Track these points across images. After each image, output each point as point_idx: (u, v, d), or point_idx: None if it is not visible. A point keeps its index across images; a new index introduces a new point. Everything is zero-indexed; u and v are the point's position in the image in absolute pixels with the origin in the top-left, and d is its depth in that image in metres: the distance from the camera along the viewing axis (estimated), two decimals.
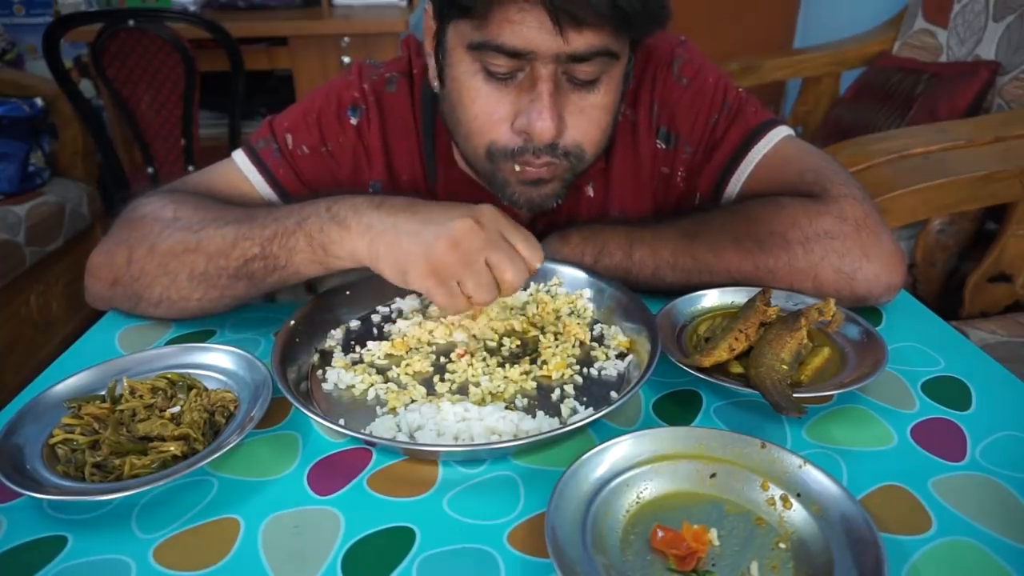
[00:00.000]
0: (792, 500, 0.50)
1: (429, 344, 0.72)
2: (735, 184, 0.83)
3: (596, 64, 0.67)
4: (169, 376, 0.63)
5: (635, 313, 0.71)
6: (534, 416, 0.60)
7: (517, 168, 0.72)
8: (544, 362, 0.68)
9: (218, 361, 0.66)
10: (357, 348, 0.71)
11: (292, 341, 0.68)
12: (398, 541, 0.50)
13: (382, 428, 0.59)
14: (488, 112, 0.70)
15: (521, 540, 0.50)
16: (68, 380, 0.62)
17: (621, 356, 0.69)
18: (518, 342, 0.71)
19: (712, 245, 0.76)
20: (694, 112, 0.84)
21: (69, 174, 2.25)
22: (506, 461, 0.57)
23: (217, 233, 0.70)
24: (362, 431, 0.59)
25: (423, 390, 0.65)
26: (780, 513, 0.50)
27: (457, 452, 0.56)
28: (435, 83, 0.77)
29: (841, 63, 2.25)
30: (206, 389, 0.62)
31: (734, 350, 0.64)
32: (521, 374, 0.66)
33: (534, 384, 0.65)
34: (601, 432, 0.60)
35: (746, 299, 0.70)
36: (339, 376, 0.66)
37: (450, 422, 0.59)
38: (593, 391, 0.65)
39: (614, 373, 0.67)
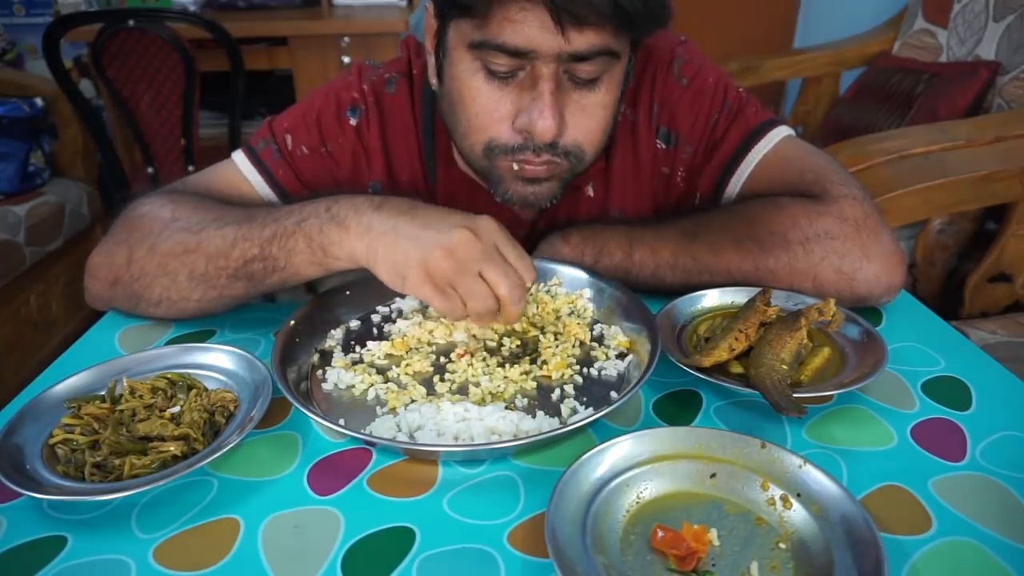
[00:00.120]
0: (792, 500, 0.50)
1: (429, 344, 0.72)
2: (735, 184, 0.83)
3: (597, 63, 0.67)
4: (169, 376, 0.63)
5: (635, 313, 0.71)
6: (534, 416, 0.60)
7: (515, 167, 0.72)
8: (544, 362, 0.68)
9: (218, 361, 0.66)
10: (357, 348, 0.71)
11: (292, 341, 0.68)
12: (398, 541, 0.50)
13: (382, 428, 0.59)
14: (488, 111, 0.70)
15: (521, 540, 0.50)
16: (68, 380, 0.62)
17: (621, 356, 0.69)
18: (518, 342, 0.71)
19: (712, 245, 0.76)
20: (694, 112, 0.84)
21: (69, 174, 2.26)
22: (506, 461, 0.57)
23: (217, 234, 0.70)
24: (362, 431, 0.59)
25: (423, 390, 0.65)
26: (780, 513, 0.50)
27: (457, 452, 0.56)
28: (434, 81, 0.77)
29: (841, 63, 2.25)
30: (206, 389, 0.62)
31: (734, 350, 0.64)
32: (521, 374, 0.66)
33: (534, 384, 0.65)
34: (601, 432, 0.60)
35: (746, 299, 0.70)
36: (339, 376, 0.66)
37: (450, 422, 0.59)
38: (593, 391, 0.65)
39: (614, 373, 0.67)
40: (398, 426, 0.59)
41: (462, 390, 0.65)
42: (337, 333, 0.74)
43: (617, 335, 0.71)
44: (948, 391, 0.65)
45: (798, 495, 0.50)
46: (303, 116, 0.85)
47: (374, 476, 0.56)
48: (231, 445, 0.55)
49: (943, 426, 0.61)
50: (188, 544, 0.50)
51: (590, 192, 0.88)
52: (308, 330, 0.72)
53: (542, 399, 0.64)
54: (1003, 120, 1.53)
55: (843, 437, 0.59)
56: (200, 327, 0.77)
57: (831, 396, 0.63)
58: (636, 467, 0.53)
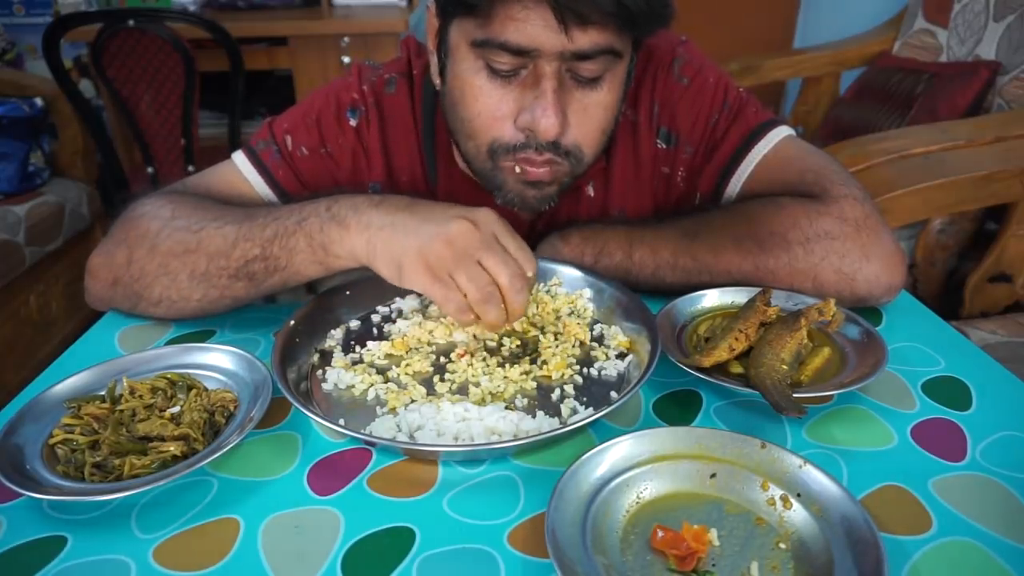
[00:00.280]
0: (792, 500, 0.50)
1: (429, 344, 0.72)
2: (735, 184, 0.83)
3: (600, 62, 0.67)
4: (169, 376, 0.63)
5: (635, 313, 0.71)
6: (534, 416, 0.60)
7: (518, 169, 0.72)
8: (544, 362, 0.68)
9: (218, 361, 0.66)
10: (357, 348, 0.71)
11: (292, 341, 0.68)
12: (398, 541, 0.50)
13: (382, 428, 0.59)
14: (491, 109, 0.70)
15: (521, 540, 0.50)
16: (68, 380, 0.62)
17: (621, 356, 0.69)
18: (518, 342, 0.71)
19: (712, 245, 0.76)
20: (694, 112, 0.84)
21: (69, 174, 2.26)
22: (506, 461, 0.57)
23: (217, 233, 0.70)
24: (362, 431, 0.59)
25: (423, 390, 0.65)
26: (780, 513, 0.50)
27: (457, 452, 0.56)
28: (437, 80, 0.77)
29: (841, 63, 2.25)
30: (206, 389, 0.62)
31: (734, 350, 0.64)
32: (521, 374, 0.66)
33: (534, 384, 0.65)
34: (601, 432, 0.60)
35: (746, 299, 0.70)
36: (339, 376, 0.66)
37: (450, 422, 0.59)
38: (593, 391, 0.65)
39: (614, 373, 0.67)
40: (398, 426, 0.59)
41: (462, 390, 0.65)
42: (337, 333, 0.74)
43: (617, 335, 0.71)
44: (948, 391, 0.65)
45: (798, 495, 0.50)
46: (303, 117, 0.85)
47: (374, 476, 0.56)
48: (231, 445, 0.55)
49: (943, 426, 0.61)
50: (188, 544, 0.50)
51: (590, 192, 0.88)
52: (308, 330, 0.72)
53: (542, 399, 0.64)
54: (1003, 120, 1.53)
55: (843, 437, 0.59)
56: (200, 327, 0.77)
57: (831, 396, 0.63)
58: (636, 467, 0.53)
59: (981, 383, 0.66)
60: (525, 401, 0.63)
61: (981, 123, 1.52)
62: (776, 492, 0.51)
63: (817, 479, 0.50)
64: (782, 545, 0.48)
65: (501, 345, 0.71)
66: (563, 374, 0.66)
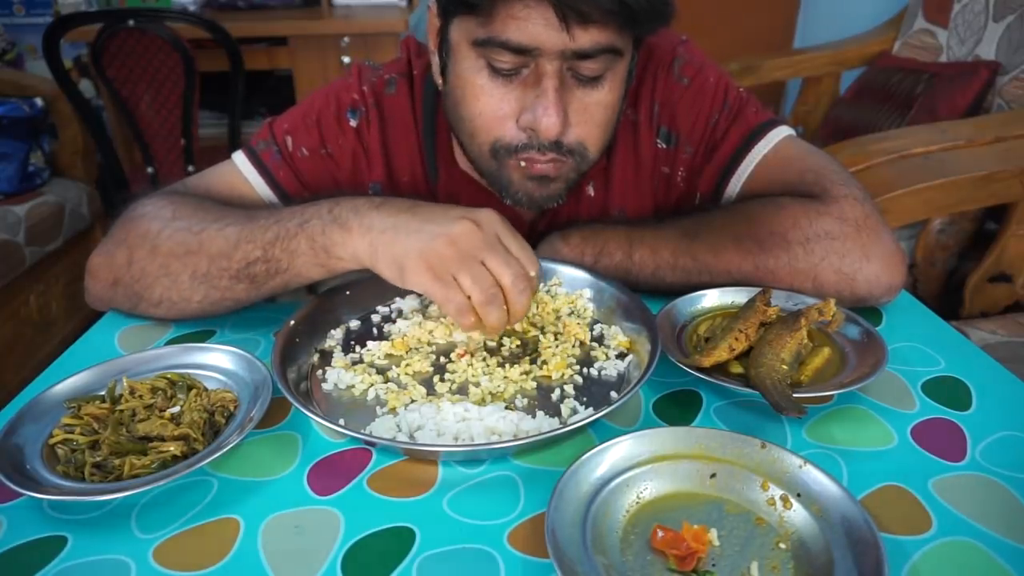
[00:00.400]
0: (792, 500, 0.50)
1: (429, 344, 0.72)
2: (735, 184, 0.83)
3: (601, 61, 0.67)
4: (169, 376, 0.63)
5: (635, 313, 0.71)
6: (534, 416, 0.60)
7: (523, 164, 0.72)
8: (544, 362, 0.68)
9: (218, 361, 0.66)
10: (357, 348, 0.71)
11: (292, 341, 0.68)
12: (398, 541, 0.50)
13: (382, 428, 0.59)
14: (492, 109, 0.70)
15: (521, 540, 0.50)
16: (68, 380, 0.62)
17: (621, 356, 0.69)
18: (518, 342, 0.71)
19: (712, 245, 0.76)
20: (695, 112, 0.84)
21: (69, 174, 2.25)
22: (506, 461, 0.57)
23: (219, 235, 0.70)
24: (362, 431, 0.59)
25: (423, 390, 0.65)
26: (780, 513, 0.50)
27: (457, 452, 0.56)
28: (438, 80, 0.77)
29: (841, 63, 2.25)
30: (206, 389, 0.62)
31: (734, 350, 0.64)
32: (521, 374, 0.66)
33: (534, 384, 0.65)
34: (601, 432, 0.60)
35: (746, 299, 0.70)
36: (339, 376, 0.66)
37: (450, 422, 0.59)
38: (593, 391, 0.65)
39: (614, 373, 0.67)
40: (398, 426, 0.59)
41: (462, 390, 0.65)
42: (337, 333, 0.74)
43: (617, 335, 0.71)
44: (948, 391, 0.65)
45: (798, 495, 0.50)
46: (303, 118, 0.85)
47: (374, 476, 0.56)
48: (231, 445, 0.55)
49: (943, 426, 0.61)
50: (188, 544, 0.50)
51: (591, 191, 0.88)
52: (308, 330, 0.72)
53: (542, 399, 0.64)
54: (1003, 120, 1.53)
55: (843, 437, 0.59)
56: (200, 327, 0.77)
57: (831, 396, 0.63)
58: (636, 467, 0.53)
59: (981, 383, 0.66)
60: (525, 401, 0.63)
61: (981, 123, 1.52)
62: (776, 492, 0.51)
63: (817, 479, 0.50)
64: (782, 545, 0.48)
65: (501, 345, 0.71)
66: (563, 374, 0.66)
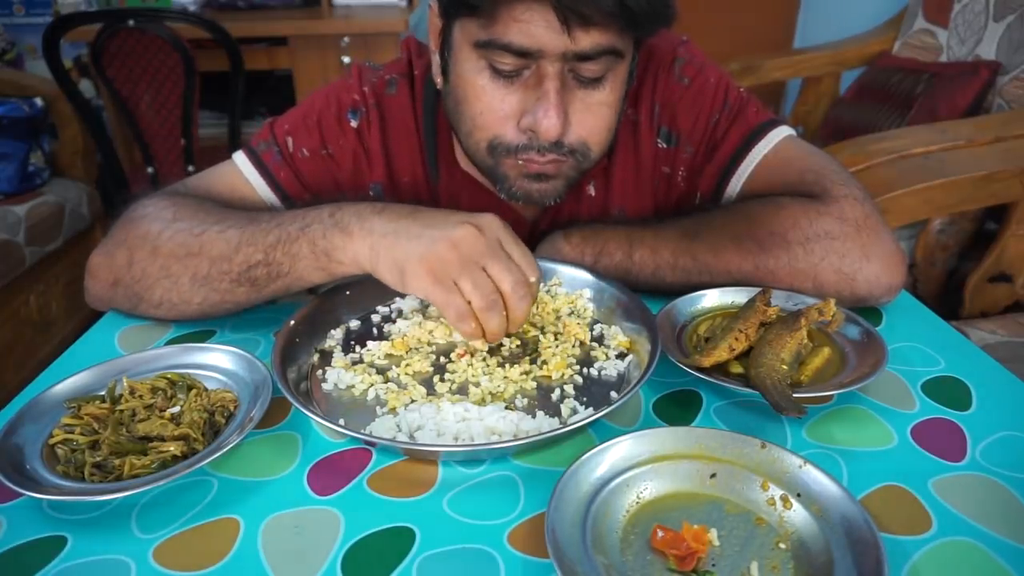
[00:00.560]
0: (792, 500, 0.50)
1: (429, 344, 0.72)
2: (735, 184, 0.83)
3: (602, 62, 0.67)
4: (169, 376, 0.63)
5: (635, 313, 0.71)
6: (534, 416, 0.60)
7: (520, 162, 0.72)
8: (544, 362, 0.68)
9: (218, 361, 0.66)
10: (357, 348, 0.71)
11: (292, 341, 0.68)
12: (398, 541, 0.50)
13: (382, 428, 0.59)
14: (493, 109, 0.70)
15: (521, 540, 0.50)
16: (68, 380, 0.62)
17: (621, 356, 0.69)
18: (518, 342, 0.71)
19: (712, 245, 0.76)
20: (695, 112, 0.84)
21: (69, 174, 2.25)
22: (506, 461, 0.57)
23: (220, 237, 0.70)
24: (362, 431, 0.59)
25: (423, 390, 0.65)
26: (780, 513, 0.50)
27: (457, 452, 0.56)
28: (439, 80, 0.77)
29: (841, 63, 2.25)
30: (206, 389, 0.62)
31: (734, 350, 0.64)
32: (521, 374, 0.66)
33: (534, 384, 0.65)
34: (601, 432, 0.60)
35: (746, 299, 0.70)
36: (339, 376, 0.66)
37: (450, 422, 0.59)
38: (593, 391, 0.65)
39: (614, 373, 0.67)
40: (398, 426, 0.59)
41: (462, 390, 0.65)
42: (337, 333, 0.74)
43: (617, 335, 0.71)
44: (948, 391, 0.65)
45: (798, 495, 0.50)
46: (303, 118, 0.85)
47: (374, 476, 0.56)
48: (231, 445, 0.55)
49: (943, 426, 0.61)
50: (188, 544, 0.50)
51: (591, 191, 0.88)
52: (308, 330, 0.72)
53: (542, 399, 0.64)
54: (1003, 120, 1.53)
55: (843, 437, 0.59)
56: (200, 327, 0.77)
57: (831, 396, 0.63)
58: (636, 467, 0.53)
59: (981, 383, 0.66)
60: (525, 401, 0.63)
61: (981, 123, 1.52)
62: (776, 492, 0.51)
63: (817, 479, 0.50)
64: (782, 545, 0.48)
65: (501, 345, 0.71)
66: (563, 374, 0.66)
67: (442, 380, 0.66)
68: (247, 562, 0.49)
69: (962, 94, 1.76)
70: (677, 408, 0.63)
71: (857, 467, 0.56)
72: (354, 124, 0.85)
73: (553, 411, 0.62)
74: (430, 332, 0.73)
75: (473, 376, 0.66)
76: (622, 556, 0.47)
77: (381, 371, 0.68)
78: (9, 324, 1.94)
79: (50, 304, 2.13)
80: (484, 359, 0.68)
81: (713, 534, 0.48)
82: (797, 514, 0.49)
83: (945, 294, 1.53)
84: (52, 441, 0.57)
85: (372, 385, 0.65)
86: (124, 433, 0.57)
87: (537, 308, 0.75)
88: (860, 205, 0.74)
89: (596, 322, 0.75)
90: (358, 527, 0.51)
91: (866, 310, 0.77)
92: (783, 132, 0.83)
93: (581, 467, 0.51)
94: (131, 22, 1.92)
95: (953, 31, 1.94)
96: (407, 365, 0.68)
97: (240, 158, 0.85)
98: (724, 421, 0.62)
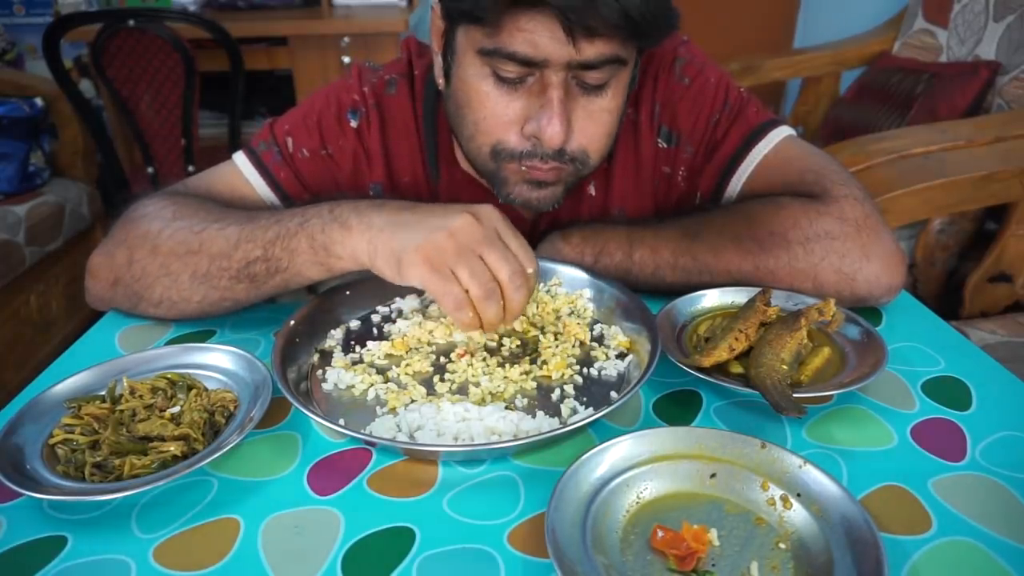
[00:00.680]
0: (792, 500, 0.50)
1: (429, 344, 0.72)
2: (736, 184, 0.83)
3: (605, 71, 0.67)
4: (169, 376, 0.63)
5: (635, 313, 0.71)
6: (534, 416, 0.60)
7: (524, 168, 0.73)
8: (544, 362, 0.68)
9: (218, 361, 0.66)
10: (357, 348, 0.71)
11: (292, 341, 0.68)
12: (398, 541, 0.50)
13: (382, 428, 0.59)
14: (498, 115, 0.70)
15: (521, 540, 0.50)
16: (68, 380, 0.62)
17: (621, 356, 0.69)
18: (518, 342, 0.71)
19: (712, 245, 0.76)
20: (695, 111, 0.84)
21: (69, 174, 2.25)
22: (506, 461, 0.57)
23: (220, 235, 0.70)
24: (362, 431, 0.59)
25: (423, 390, 0.65)
26: (780, 513, 0.50)
27: (457, 452, 0.56)
28: (440, 81, 0.77)
29: (841, 63, 2.25)
30: (206, 389, 0.62)
31: (734, 350, 0.64)
32: (521, 374, 0.66)
33: (534, 384, 0.65)
34: (601, 432, 0.60)
35: (746, 299, 0.70)
36: (339, 376, 0.66)
37: (450, 422, 0.59)
38: (593, 391, 0.65)
39: (614, 373, 0.67)
40: (398, 426, 0.59)
41: (462, 390, 0.65)
42: (337, 333, 0.74)
43: (617, 335, 0.71)
44: (948, 391, 0.65)
45: (798, 495, 0.50)
46: (303, 119, 0.85)
47: (374, 476, 0.56)
48: (231, 445, 0.55)
49: (943, 426, 0.61)
50: (188, 544, 0.50)
51: (591, 191, 0.88)
52: (308, 330, 0.72)
53: (542, 399, 0.64)
54: (1003, 120, 1.53)
55: (843, 437, 0.59)
56: (200, 327, 0.77)
57: (831, 396, 0.63)
58: (636, 467, 0.53)
59: (981, 383, 0.66)
60: (525, 401, 0.63)
61: (981, 123, 1.52)
62: (776, 492, 0.51)
63: (817, 479, 0.50)
64: (782, 545, 0.48)
65: (501, 345, 0.71)
66: (563, 374, 0.66)
67: (442, 380, 0.66)
68: (247, 562, 0.49)
69: (962, 94, 1.76)
70: (677, 408, 0.63)
71: (857, 467, 0.56)
72: (354, 124, 0.85)
73: (553, 411, 0.62)
74: (430, 332, 0.73)
75: (473, 376, 0.66)
76: (622, 556, 0.47)
77: (381, 371, 0.68)
78: (9, 324, 1.94)
79: (50, 304, 2.13)
80: (484, 359, 0.68)
81: (713, 534, 0.48)
82: (797, 514, 0.49)
83: (945, 294, 1.53)
84: (52, 441, 0.57)
85: (372, 385, 0.65)
86: (124, 433, 0.57)
87: (537, 308, 0.75)
88: (860, 205, 0.74)
89: (596, 322, 0.75)
90: (358, 527, 0.51)
91: (866, 310, 0.77)
92: (783, 132, 0.83)
93: (581, 467, 0.51)
94: (131, 22, 1.92)
95: (953, 31, 1.94)
96: (407, 365, 0.68)
97: (240, 158, 0.85)
98: (724, 421, 0.62)
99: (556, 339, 0.71)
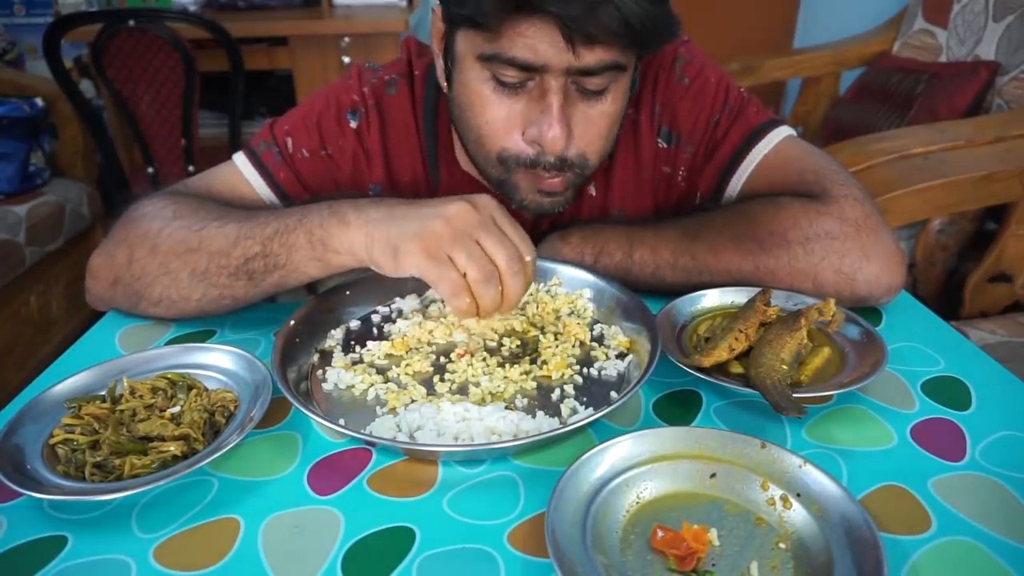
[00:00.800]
0: (792, 500, 0.50)
1: (429, 344, 0.72)
2: (736, 184, 0.83)
3: (605, 77, 0.68)
4: (169, 376, 0.63)
5: (635, 313, 0.71)
6: (534, 416, 0.60)
7: (532, 177, 0.73)
8: (544, 362, 0.68)
9: (218, 361, 0.66)
10: (357, 348, 0.71)
11: (292, 341, 0.68)
12: (398, 541, 0.50)
13: (382, 428, 0.59)
14: (500, 120, 0.70)
15: (521, 540, 0.50)
16: (68, 380, 0.62)
17: (621, 356, 0.69)
18: (518, 342, 0.71)
19: (712, 245, 0.76)
20: (696, 111, 0.84)
21: (69, 174, 2.25)
22: (506, 461, 0.57)
23: (219, 232, 0.70)
24: (362, 431, 0.59)
25: (423, 390, 0.65)
26: (780, 513, 0.50)
27: (457, 452, 0.56)
28: (443, 83, 0.78)
29: (841, 63, 2.25)
30: (206, 389, 0.62)
31: (734, 350, 0.64)
32: (521, 374, 0.66)
33: (534, 384, 0.65)
34: (601, 432, 0.60)
35: (746, 299, 0.70)
36: (339, 376, 0.66)
37: (450, 422, 0.59)
38: (593, 391, 0.65)
39: (614, 373, 0.67)
40: (398, 426, 0.59)
41: (462, 390, 0.65)
42: (337, 333, 0.74)
43: (617, 335, 0.71)
44: (948, 391, 0.65)
45: (798, 495, 0.50)
46: (303, 119, 0.85)
47: (374, 476, 0.56)
48: (231, 445, 0.55)
49: (943, 426, 0.61)
50: (188, 544, 0.50)
51: (592, 191, 0.88)
52: (308, 330, 0.72)
53: (542, 399, 0.64)
54: (1003, 120, 1.53)
55: (843, 437, 0.59)
56: (200, 327, 0.77)
57: (831, 396, 0.63)
58: (636, 467, 0.53)
59: (981, 383, 0.66)
60: (525, 401, 0.63)
61: (981, 123, 1.52)
62: (776, 492, 0.51)
63: (817, 479, 0.50)
64: (782, 545, 0.48)
65: (501, 345, 0.71)
66: (563, 374, 0.66)
67: (442, 380, 0.66)
68: (247, 562, 0.49)
69: (962, 94, 1.76)
70: (677, 408, 0.63)
71: (857, 467, 0.56)
72: (353, 125, 0.85)
73: (553, 411, 0.62)
74: (430, 332, 0.73)
75: (473, 376, 0.66)
76: (622, 556, 0.47)
77: (381, 371, 0.68)
78: (9, 324, 1.94)
79: (50, 304, 2.13)
80: (484, 359, 0.68)
81: (713, 534, 0.48)
82: (797, 514, 0.49)
83: (945, 294, 1.53)
84: (52, 441, 0.57)
85: (372, 385, 0.65)
86: (124, 433, 0.57)
87: (537, 308, 0.75)
88: (860, 205, 0.74)
89: (596, 322, 0.75)
90: (358, 527, 0.51)
91: (866, 310, 0.77)
92: (783, 132, 0.83)
93: (581, 467, 0.51)
94: (131, 22, 1.92)
95: (953, 31, 1.94)
96: (407, 365, 0.68)
97: (240, 159, 0.85)
98: (724, 421, 0.62)
99: (556, 339, 0.71)
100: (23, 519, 0.53)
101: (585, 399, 0.64)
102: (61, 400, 0.60)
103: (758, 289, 0.69)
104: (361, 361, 0.70)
